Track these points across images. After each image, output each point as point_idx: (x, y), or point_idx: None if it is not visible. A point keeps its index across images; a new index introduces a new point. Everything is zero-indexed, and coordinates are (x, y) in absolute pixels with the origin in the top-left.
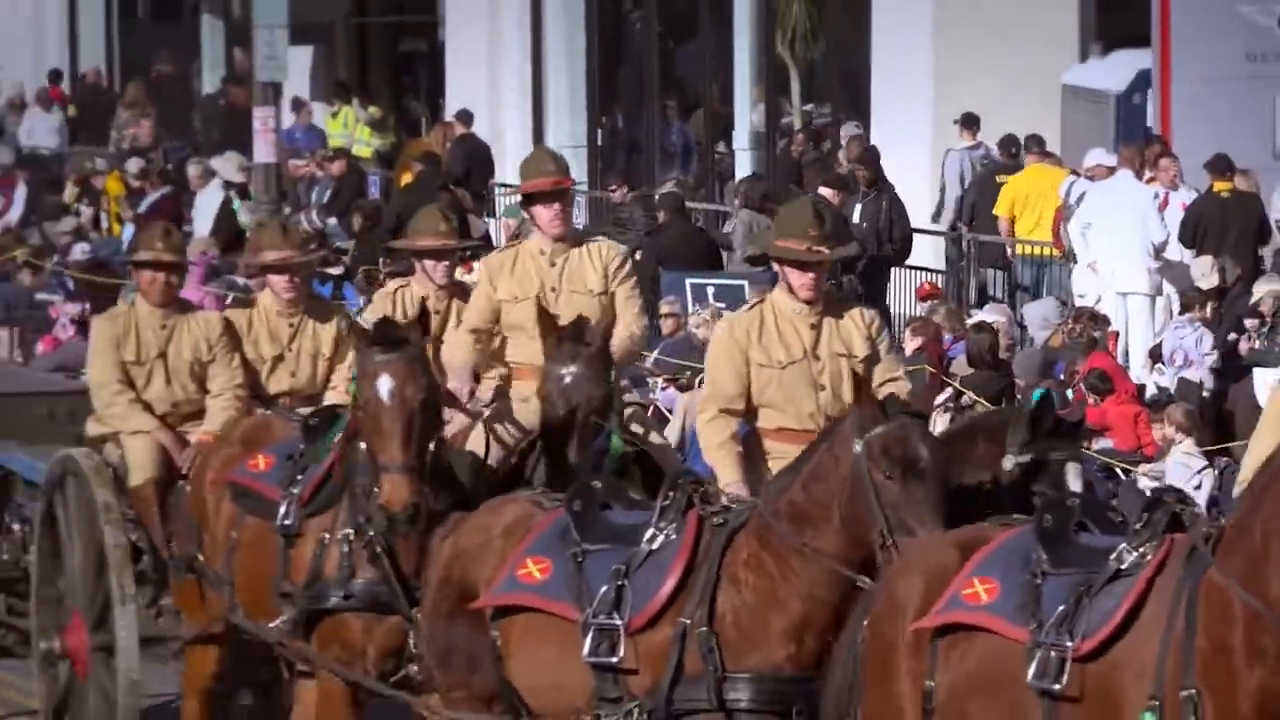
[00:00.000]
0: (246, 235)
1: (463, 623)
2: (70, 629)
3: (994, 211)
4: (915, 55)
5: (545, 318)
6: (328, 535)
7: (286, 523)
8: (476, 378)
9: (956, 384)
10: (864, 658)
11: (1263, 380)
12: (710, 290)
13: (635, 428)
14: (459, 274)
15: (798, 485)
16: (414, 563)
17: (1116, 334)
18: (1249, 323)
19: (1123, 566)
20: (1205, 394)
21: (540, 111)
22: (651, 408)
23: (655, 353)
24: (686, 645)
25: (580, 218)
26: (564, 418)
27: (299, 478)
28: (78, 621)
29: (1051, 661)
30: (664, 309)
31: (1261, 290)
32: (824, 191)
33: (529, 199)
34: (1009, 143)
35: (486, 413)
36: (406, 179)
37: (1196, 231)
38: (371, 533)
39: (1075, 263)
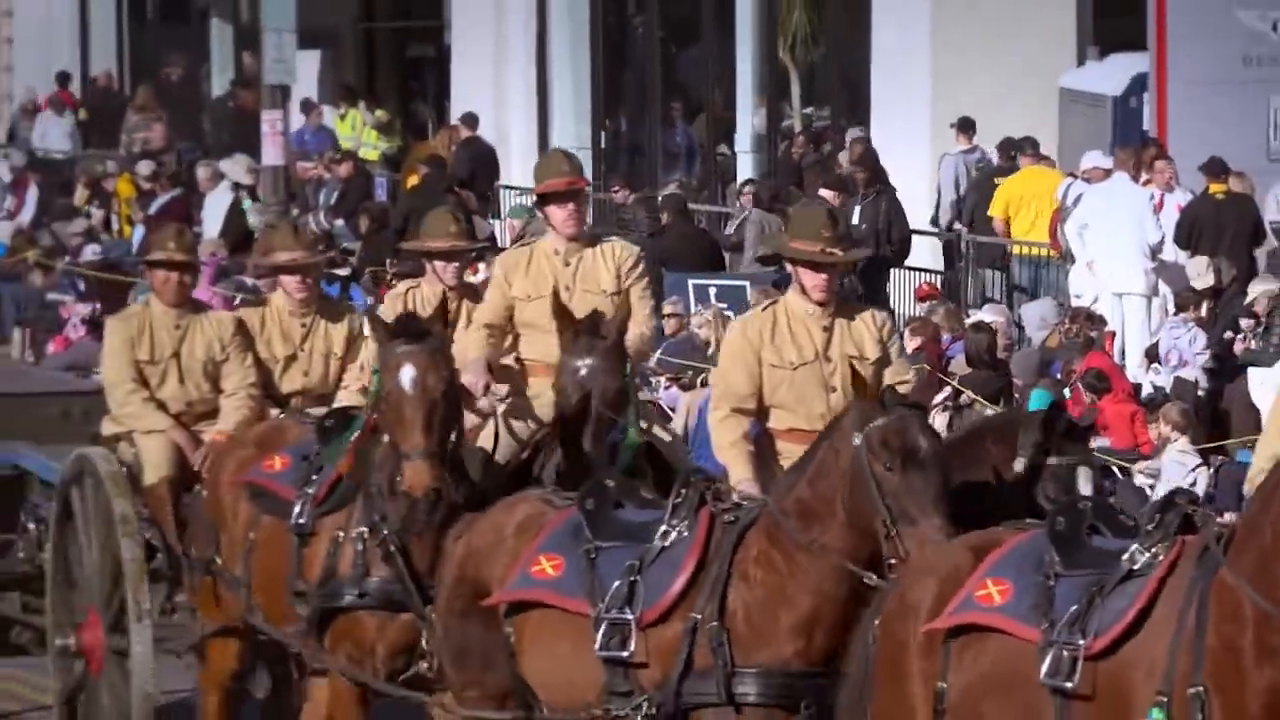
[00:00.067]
0: (255, 236)
1: (477, 621)
2: (86, 626)
3: (989, 213)
4: (914, 54)
5: (561, 312)
6: (342, 533)
7: (301, 522)
8: (491, 371)
9: (955, 383)
10: (875, 657)
11: (1258, 380)
12: (712, 291)
13: (660, 433)
14: (465, 275)
15: (804, 482)
16: (428, 561)
17: (1113, 334)
18: (1244, 323)
19: (1135, 567)
20: (1200, 393)
21: (545, 115)
22: (654, 407)
23: (658, 352)
24: (697, 640)
25: None
26: (579, 410)
27: (314, 478)
28: (94, 619)
29: (1064, 660)
30: (667, 309)
31: (1256, 291)
32: (824, 193)
33: (543, 199)
34: (1007, 145)
35: (501, 409)
36: (413, 181)
37: (1192, 233)
38: (386, 531)
39: (1072, 264)
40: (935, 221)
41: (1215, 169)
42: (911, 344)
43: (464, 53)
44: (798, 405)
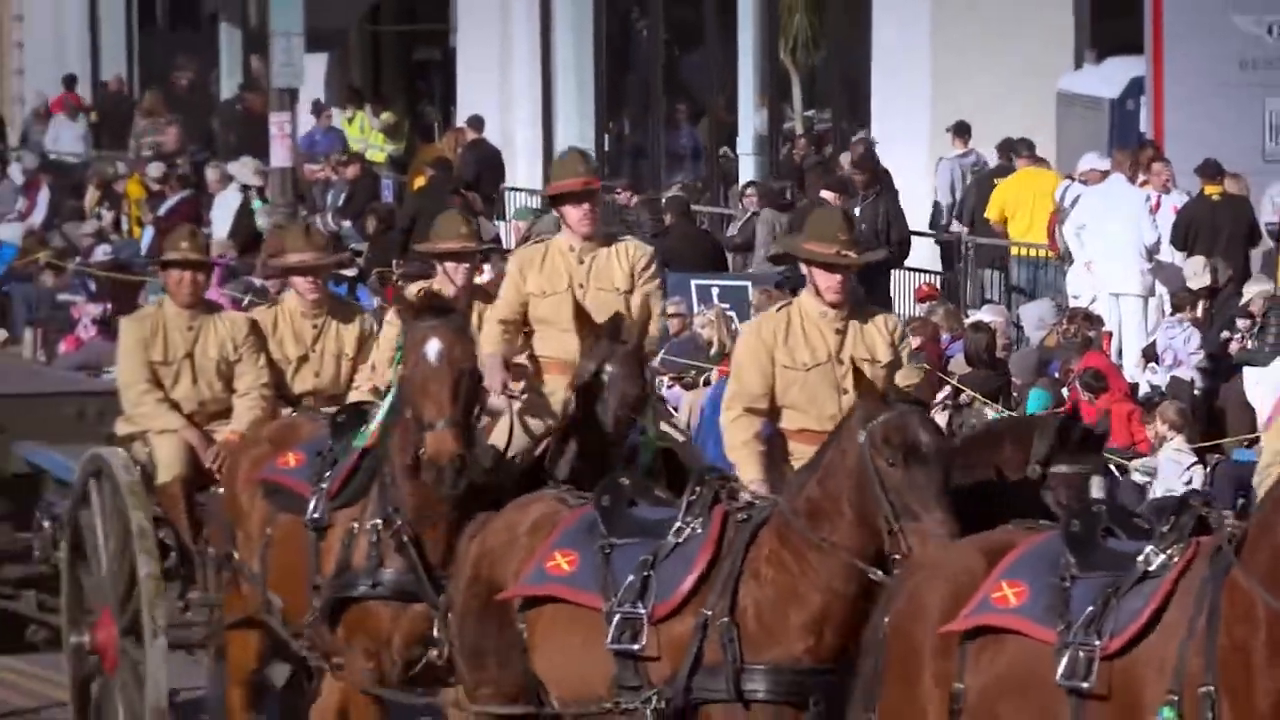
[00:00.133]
0: (263, 237)
1: (492, 620)
2: (100, 624)
3: (985, 214)
4: (914, 54)
5: (582, 315)
6: (356, 525)
7: (315, 516)
8: (507, 368)
9: (954, 382)
10: (885, 657)
11: (1253, 379)
12: (715, 291)
13: (663, 425)
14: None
15: (814, 482)
16: (440, 553)
17: (1110, 334)
18: (1240, 323)
19: (1150, 569)
20: (1196, 392)
21: (549, 117)
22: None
23: (661, 352)
24: (707, 636)
25: None
26: (598, 414)
27: (328, 473)
28: (107, 618)
29: (1080, 661)
30: (669, 309)
31: (1251, 291)
32: (825, 195)
33: (558, 198)
34: (1007, 146)
35: (517, 405)
36: (419, 183)
37: (1188, 234)
38: (400, 522)
39: (1070, 264)
40: (934, 224)
41: (1210, 171)
42: (912, 344)
43: (469, 56)
44: (809, 406)
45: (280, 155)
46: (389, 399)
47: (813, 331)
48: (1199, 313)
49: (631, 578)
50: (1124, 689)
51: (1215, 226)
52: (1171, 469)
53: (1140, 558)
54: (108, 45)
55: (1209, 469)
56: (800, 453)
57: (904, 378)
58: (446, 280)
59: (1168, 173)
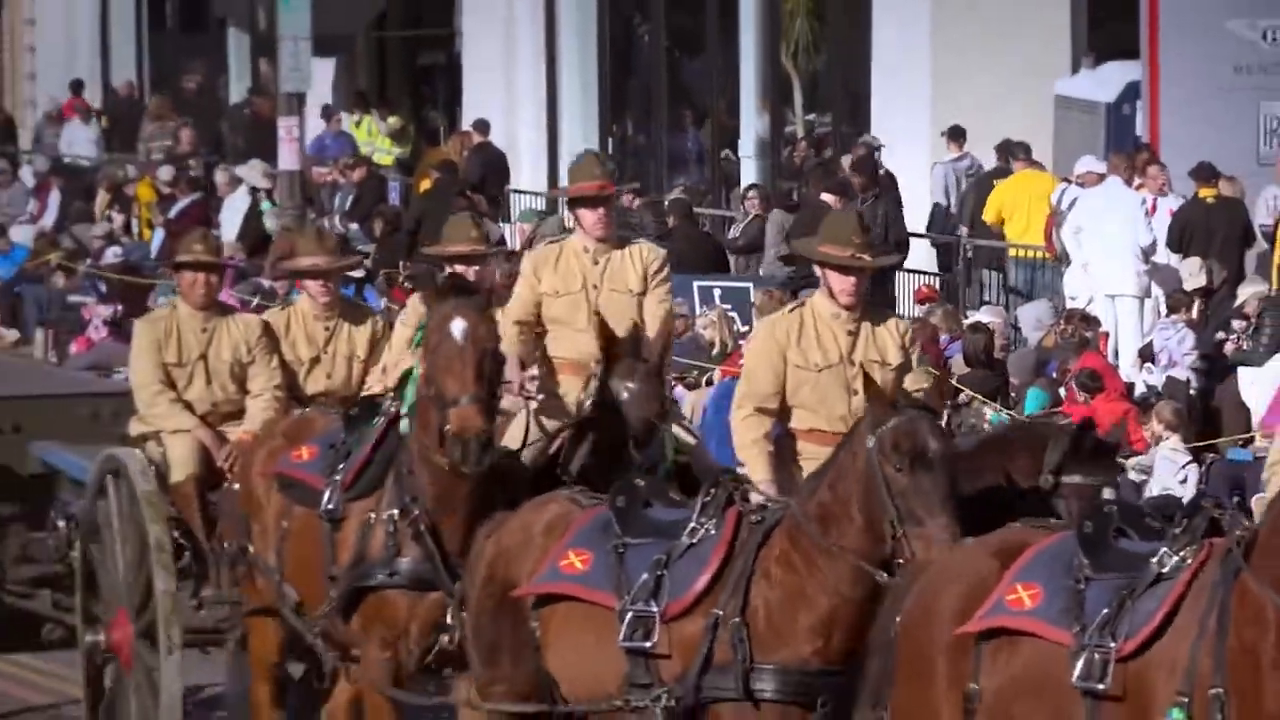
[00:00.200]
0: (272, 239)
1: (505, 618)
2: (115, 624)
3: (982, 217)
4: (914, 54)
5: (605, 330)
6: (373, 515)
7: (330, 508)
8: (523, 367)
9: (954, 381)
10: (896, 657)
11: (1248, 379)
12: (717, 292)
13: (679, 431)
14: None
15: (825, 486)
16: (458, 541)
17: (1107, 334)
18: (1235, 324)
19: (1164, 570)
20: (1192, 392)
21: (554, 121)
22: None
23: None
24: (718, 635)
25: None
26: (619, 431)
27: (341, 466)
28: (122, 617)
29: (1095, 663)
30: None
31: (1246, 293)
32: (825, 197)
33: (574, 201)
34: (1006, 147)
35: (533, 404)
36: (425, 185)
37: (1183, 236)
38: (416, 511)
39: (1067, 266)
40: (931, 226)
41: (1204, 174)
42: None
43: (474, 60)
44: (820, 406)
45: (288, 158)
46: (412, 381)
47: (825, 333)
48: (1194, 314)
49: (645, 576)
50: (1138, 690)
51: (1210, 229)
52: (1167, 468)
53: (1154, 559)
54: (118, 49)
55: (1204, 468)
56: (809, 452)
57: (913, 381)
58: None
59: (1163, 176)
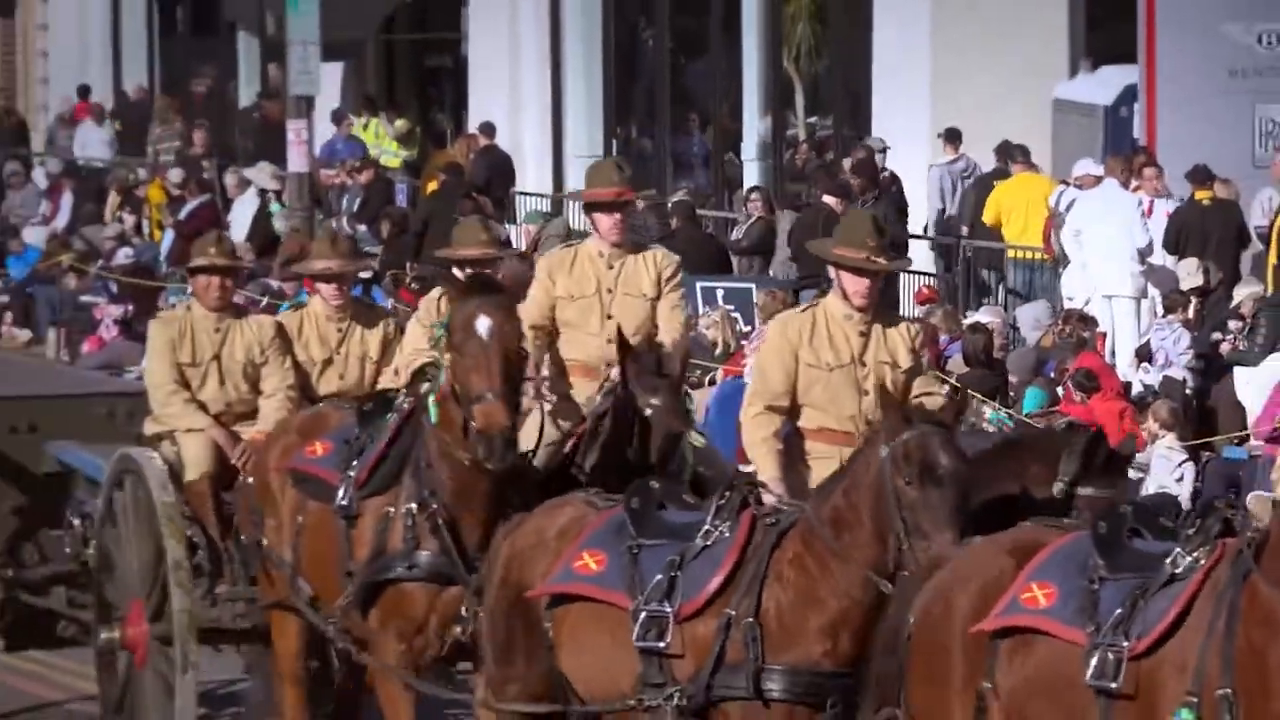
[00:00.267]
0: (280, 240)
1: (520, 619)
2: (130, 620)
3: (982, 219)
4: (913, 54)
5: (624, 347)
6: (391, 510)
7: (344, 503)
8: (538, 370)
9: (954, 381)
10: (910, 655)
11: (1243, 379)
12: (719, 293)
13: (696, 438)
14: None
15: (839, 491)
16: (477, 536)
17: (1104, 335)
18: (1231, 324)
19: (1178, 570)
20: (1188, 391)
21: (559, 123)
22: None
23: None
24: (730, 635)
25: None
26: (640, 441)
27: (355, 461)
28: (138, 613)
29: (1109, 662)
30: None
31: (1242, 293)
32: (827, 199)
33: (590, 206)
34: (1003, 151)
35: (548, 406)
36: (432, 187)
37: (1179, 237)
38: (435, 506)
39: (1065, 267)
40: (927, 229)
41: (1200, 176)
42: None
43: (480, 63)
44: (830, 406)
45: (297, 161)
46: (395, 405)
47: (837, 333)
48: (1190, 314)
49: (659, 577)
50: (1149, 690)
51: (1205, 230)
52: (1163, 466)
53: (1168, 560)
54: (129, 53)
55: (1200, 466)
56: (818, 451)
57: (922, 385)
58: None
59: (1160, 178)
